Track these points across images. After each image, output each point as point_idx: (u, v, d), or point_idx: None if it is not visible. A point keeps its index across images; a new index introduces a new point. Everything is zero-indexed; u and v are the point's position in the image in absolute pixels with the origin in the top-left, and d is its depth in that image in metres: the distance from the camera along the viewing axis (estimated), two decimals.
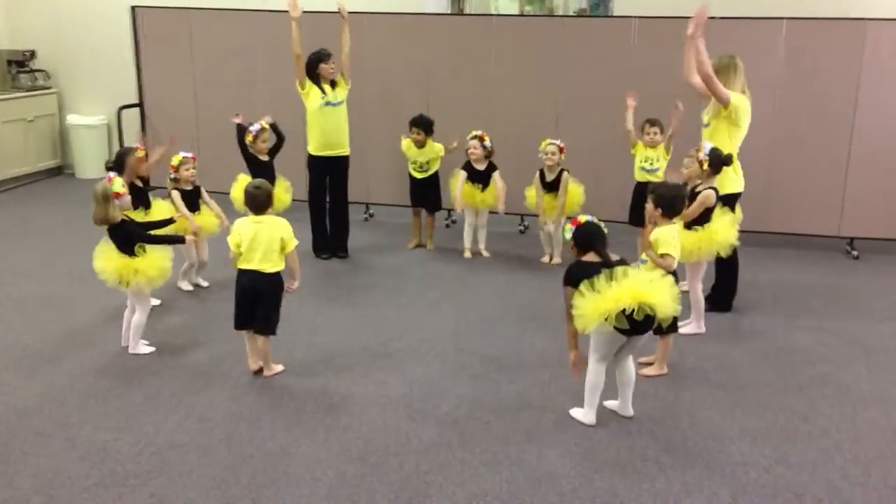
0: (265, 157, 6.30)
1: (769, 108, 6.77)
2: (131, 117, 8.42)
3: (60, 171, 9.70)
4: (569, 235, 3.97)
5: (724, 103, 5.21)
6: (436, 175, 6.94)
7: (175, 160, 5.64)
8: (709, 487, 3.51)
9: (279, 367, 4.59)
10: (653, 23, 6.96)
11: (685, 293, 5.30)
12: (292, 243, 4.41)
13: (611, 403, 4.16)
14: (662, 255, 4.29)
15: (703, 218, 5.04)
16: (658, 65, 6.77)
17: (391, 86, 7.53)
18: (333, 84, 6.45)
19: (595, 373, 3.99)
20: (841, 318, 5.52)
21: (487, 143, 6.61)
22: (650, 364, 4.64)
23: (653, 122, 6.14)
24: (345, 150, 6.58)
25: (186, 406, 4.18)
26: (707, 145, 5.05)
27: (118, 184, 4.69)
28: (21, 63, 9.18)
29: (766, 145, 6.81)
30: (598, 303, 3.72)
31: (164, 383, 4.44)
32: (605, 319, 3.72)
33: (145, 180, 5.56)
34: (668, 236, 4.34)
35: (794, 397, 4.36)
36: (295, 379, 4.51)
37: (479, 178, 6.71)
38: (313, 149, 6.52)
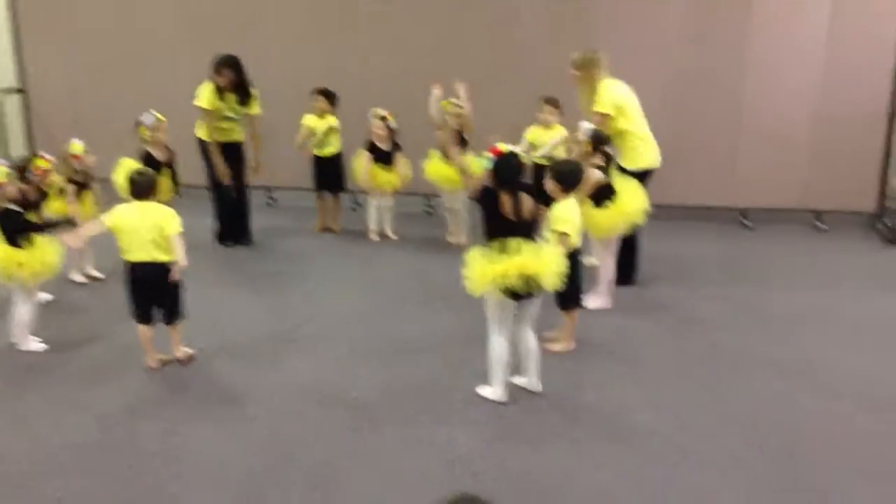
0: (163, 156, 5.88)
1: (662, 84, 6.91)
2: (12, 103, 7.98)
3: None
4: (486, 163, 3.91)
5: (606, 124, 5.29)
6: (339, 156, 6.83)
7: (76, 148, 5.39)
8: (616, 459, 3.57)
9: (191, 350, 4.48)
10: None
11: (593, 267, 5.40)
12: (172, 229, 4.22)
13: (520, 380, 4.19)
14: (560, 233, 4.31)
15: (607, 194, 5.07)
16: (547, 29, 6.82)
17: (294, 66, 7.37)
18: (245, 97, 6.23)
19: (497, 346, 4.01)
20: (739, 287, 5.71)
21: (392, 123, 6.55)
22: (557, 340, 4.69)
23: (549, 101, 6.15)
24: (239, 138, 6.43)
25: (84, 404, 4.00)
26: (585, 126, 5.10)
27: (1, 173, 4.45)
28: None
29: (660, 121, 6.91)
30: (486, 271, 3.78)
31: (59, 381, 4.24)
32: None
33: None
34: (566, 213, 4.36)
35: (696, 366, 4.49)
36: (199, 371, 4.38)
37: (384, 159, 6.65)
38: (204, 135, 6.31)
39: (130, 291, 4.29)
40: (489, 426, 3.84)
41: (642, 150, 5.44)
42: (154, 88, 7.18)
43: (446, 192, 6.62)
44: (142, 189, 4.27)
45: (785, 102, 7.04)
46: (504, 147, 3.94)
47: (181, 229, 4.25)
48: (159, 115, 5.86)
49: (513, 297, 3.87)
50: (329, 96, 6.74)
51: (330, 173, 6.86)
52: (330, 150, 6.79)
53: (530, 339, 4.12)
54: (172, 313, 4.38)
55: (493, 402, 4.04)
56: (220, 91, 6.16)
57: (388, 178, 6.67)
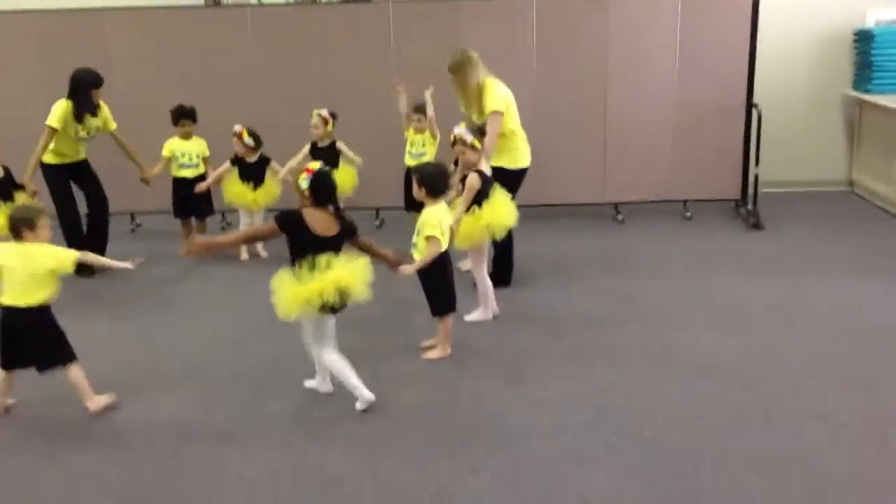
0: None
1: (529, 88, 6.93)
2: None
3: None
4: (305, 184, 3.84)
5: (500, 122, 5.25)
6: (202, 178, 6.56)
7: None
8: (493, 462, 3.49)
9: (106, 399, 4.04)
10: (408, 6, 6.97)
11: (466, 273, 5.34)
12: (69, 263, 3.90)
13: (310, 383, 4.19)
14: (427, 238, 4.23)
15: (477, 199, 4.84)
16: (419, 49, 6.80)
17: (143, 87, 7.04)
18: (94, 112, 5.93)
19: (334, 361, 3.98)
20: (611, 281, 5.75)
21: (248, 139, 6.31)
22: (433, 347, 4.60)
23: (417, 109, 6.12)
24: (84, 156, 6.13)
25: None
26: (461, 130, 4.80)
27: None
28: None
29: (530, 123, 6.92)
30: (299, 292, 3.71)
31: None
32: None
33: None
34: (434, 218, 4.29)
35: (572, 362, 4.46)
36: (47, 411, 4.06)
37: (251, 175, 6.41)
38: (49, 158, 5.91)
39: None
40: (364, 442, 3.70)
41: (522, 149, 5.48)
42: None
43: None
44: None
45: (646, 100, 7.17)
46: (315, 165, 3.91)
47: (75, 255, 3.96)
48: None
49: (330, 311, 3.82)
50: (189, 114, 6.46)
51: (192, 197, 6.56)
52: (191, 171, 6.53)
53: None
54: (44, 362, 3.94)
55: (368, 417, 3.90)
56: (79, 112, 5.81)
57: (255, 197, 6.43)
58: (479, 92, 5.30)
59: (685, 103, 7.19)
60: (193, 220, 6.70)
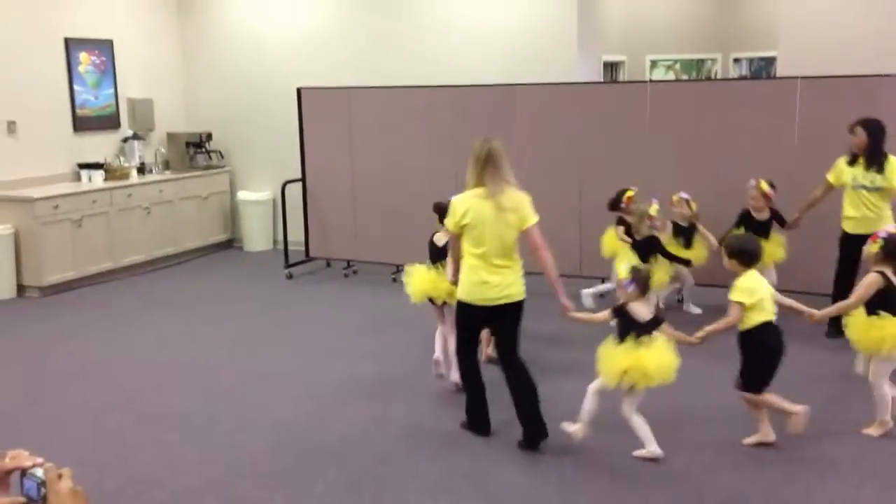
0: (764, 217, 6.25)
1: None
2: (294, 192, 8.75)
3: (230, 244, 10.17)
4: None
5: None
6: None
7: (654, 210, 6.04)
8: None
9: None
10: (816, 83, 6.56)
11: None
12: None
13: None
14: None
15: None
16: (826, 125, 6.37)
17: (545, 155, 7.42)
18: (877, 163, 5.64)
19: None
20: None
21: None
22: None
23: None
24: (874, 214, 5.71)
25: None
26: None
27: (653, 209, 5.99)
28: (198, 144, 9.79)
29: None
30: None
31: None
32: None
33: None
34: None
35: None
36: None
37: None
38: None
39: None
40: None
41: None
42: (420, 170, 7.73)
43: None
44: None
45: None
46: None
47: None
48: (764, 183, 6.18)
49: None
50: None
51: None
52: None
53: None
54: None
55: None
56: (851, 158, 5.76)
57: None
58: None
59: None
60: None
